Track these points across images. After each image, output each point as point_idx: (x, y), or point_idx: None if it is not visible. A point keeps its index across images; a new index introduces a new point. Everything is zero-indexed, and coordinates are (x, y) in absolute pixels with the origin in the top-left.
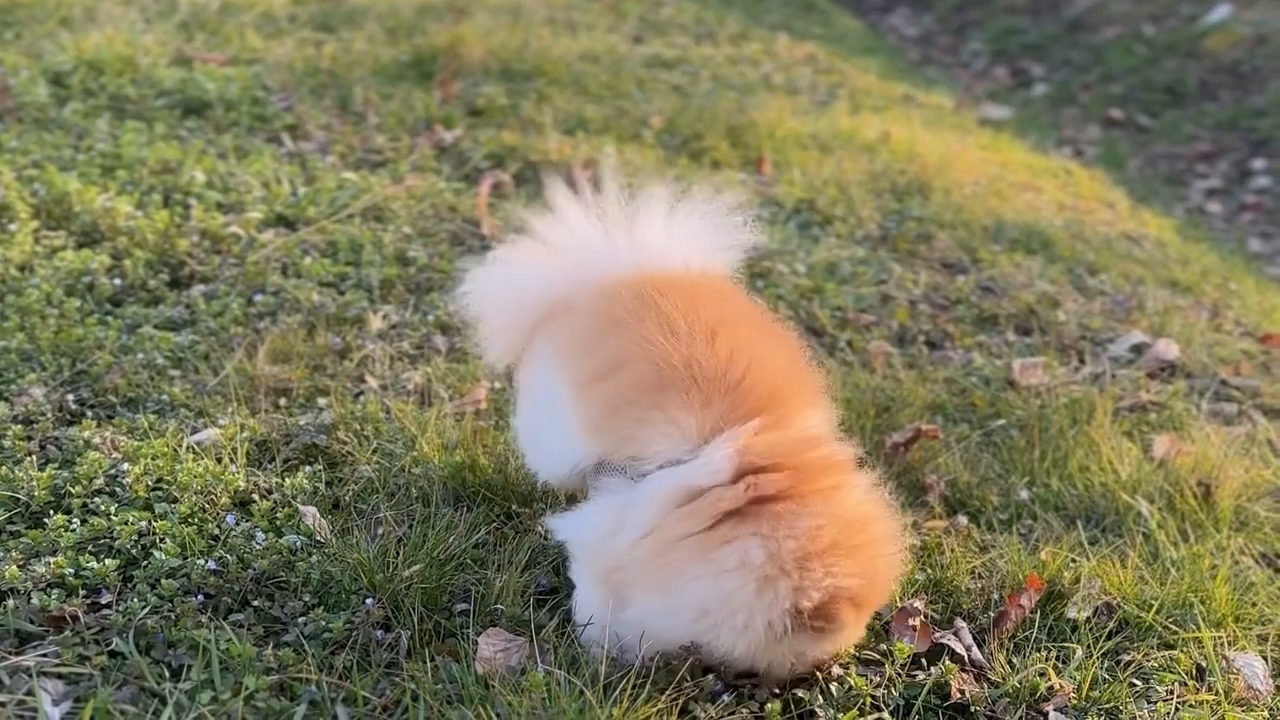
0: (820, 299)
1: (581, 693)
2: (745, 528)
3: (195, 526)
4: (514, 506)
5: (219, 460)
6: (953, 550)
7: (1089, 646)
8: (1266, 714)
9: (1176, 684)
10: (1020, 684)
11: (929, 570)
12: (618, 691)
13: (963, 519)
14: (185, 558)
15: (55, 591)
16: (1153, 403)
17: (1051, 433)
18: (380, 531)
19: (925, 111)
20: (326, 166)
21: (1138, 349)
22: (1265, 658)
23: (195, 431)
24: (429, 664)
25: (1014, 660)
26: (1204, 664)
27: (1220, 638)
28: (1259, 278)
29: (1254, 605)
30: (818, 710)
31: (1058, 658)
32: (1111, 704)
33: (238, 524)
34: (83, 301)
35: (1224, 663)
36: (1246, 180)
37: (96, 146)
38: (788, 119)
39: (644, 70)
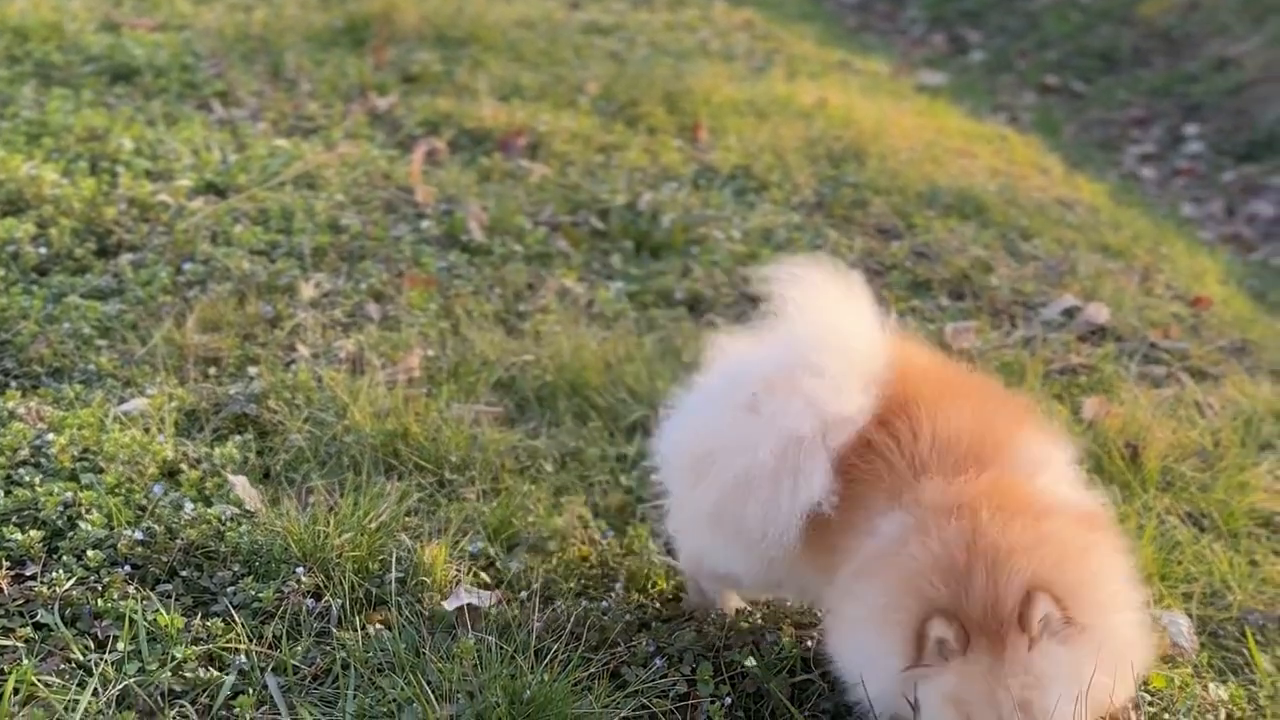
0: (755, 264)
1: (513, 658)
2: None
3: (122, 497)
4: (446, 474)
5: (146, 430)
6: None
7: None
8: (1191, 671)
9: None
10: None
11: None
12: (549, 657)
13: None
14: (112, 528)
15: None
16: (1083, 365)
17: None
18: (311, 500)
19: (862, 78)
20: (258, 134)
21: (1069, 313)
22: (1190, 615)
23: (123, 401)
24: (360, 632)
25: None
26: None
27: (1147, 595)
28: (1190, 242)
29: (1180, 564)
30: (750, 671)
31: None
32: None
33: (165, 494)
34: (7, 271)
35: (1150, 621)
36: (1179, 146)
37: (22, 114)
38: (724, 85)
39: (580, 36)
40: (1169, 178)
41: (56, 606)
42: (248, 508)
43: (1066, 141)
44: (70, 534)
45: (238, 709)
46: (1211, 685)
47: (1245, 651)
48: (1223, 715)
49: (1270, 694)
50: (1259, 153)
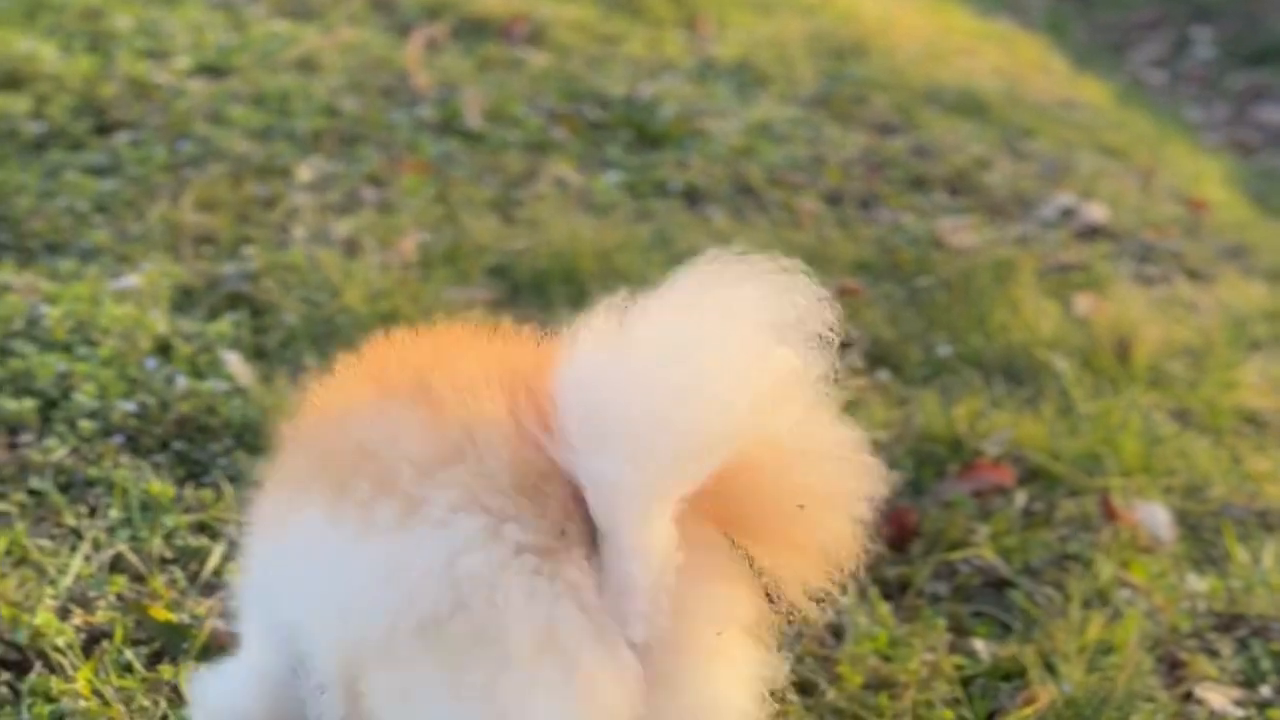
0: (753, 158)
1: None
2: None
3: (116, 370)
4: None
5: (140, 306)
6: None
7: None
8: (1169, 561)
9: (1083, 531)
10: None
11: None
12: None
13: (883, 374)
14: (105, 400)
15: None
16: (1077, 263)
17: (975, 291)
18: (303, 378)
19: None
20: (256, 16)
21: (1066, 212)
22: (1169, 507)
23: (117, 277)
24: None
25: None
26: (1109, 512)
27: (1127, 487)
28: (1192, 145)
29: (1162, 458)
30: None
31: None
32: (1022, 551)
33: (159, 368)
34: (3, 146)
35: (1130, 511)
36: (1187, 49)
37: None
38: None
39: None
40: (1176, 81)
41: (50, 473)
42: (240, 383)
43: (1074, 43)
44: (64, 404)
45: (226, 576)
46: (1190, 576)
47: (1223, 544)
48: (1201, 606)
49: (1246, 586)
50: (1268, 58)
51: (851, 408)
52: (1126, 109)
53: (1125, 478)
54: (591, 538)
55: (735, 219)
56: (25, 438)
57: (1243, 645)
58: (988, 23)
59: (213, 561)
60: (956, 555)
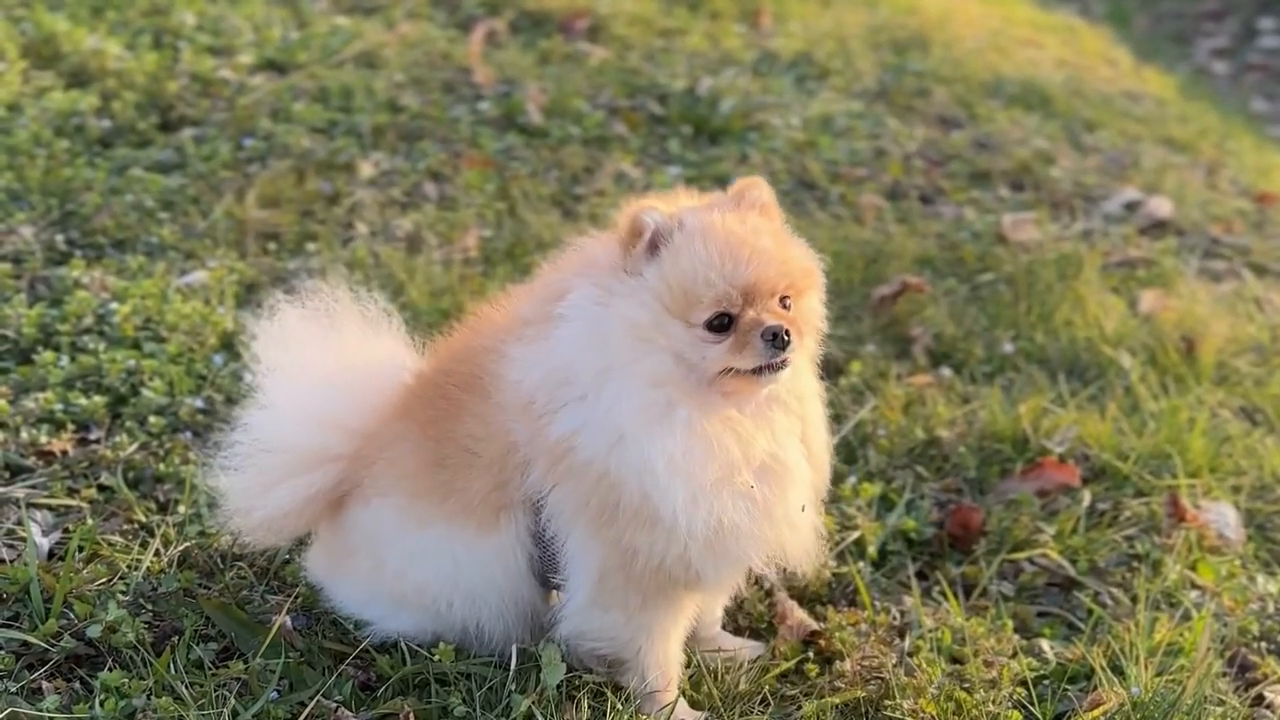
0: (814, 152)
1: None
2: None
3: (183, 366)
4: None
5: (207, 302)
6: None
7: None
8: (1238, 562)
9: (1150, 531)
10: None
11: (907, 420)
12: None
13: (946, 371)
14: (173, 396)
15: (44, 426)
16: (1142, 259)
17: (1039, 287)
18: None
19: None
20: (318, 12)
21: (1131, 206)
22: (1238, 508)
23: (184, 273)
24: None
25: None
26: (1178, 513)
27: (1195, 487)
28: (1259, 137)
29: (1230, 457)
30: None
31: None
32: (1088, 550)
33: (225, 364)
34: (71, 142)
35: (1198, 511)
36: (1253, 40)
37: None
38: None
39: None
40: (1241, 72)
41: (120, 470)
42: None
43: (1137, 34)
44: (133, 400)
45: (289, 575)
46: (1259, 577)
47: None
48: (1271, 608)
49: None
50: None
51: (914, 405)
52: (1191, 101)
53: (1192, 477)
54: None
55: (797, 213)
56: (95, 434)
57: None
58: (1049, 14)
59: (279, 559)
60: (1021, 555)
